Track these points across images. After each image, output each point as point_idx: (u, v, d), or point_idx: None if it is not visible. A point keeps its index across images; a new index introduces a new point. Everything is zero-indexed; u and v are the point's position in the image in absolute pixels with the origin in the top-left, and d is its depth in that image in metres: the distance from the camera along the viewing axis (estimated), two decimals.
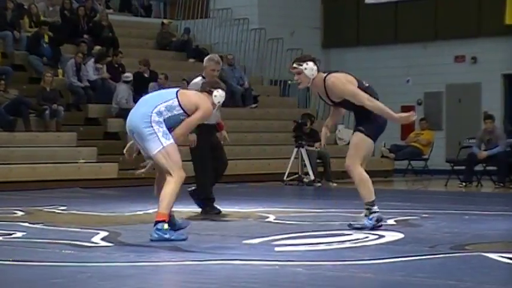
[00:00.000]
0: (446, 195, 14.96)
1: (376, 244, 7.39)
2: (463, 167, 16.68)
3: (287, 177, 16.58)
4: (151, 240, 7.38)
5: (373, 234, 7.92)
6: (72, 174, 15.44)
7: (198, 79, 9.79)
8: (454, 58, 21.48)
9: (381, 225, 8.25)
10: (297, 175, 16.59)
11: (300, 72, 8.24)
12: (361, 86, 8.22)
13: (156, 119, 7.42)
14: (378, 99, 8.24)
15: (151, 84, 18.18)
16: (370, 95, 8.22)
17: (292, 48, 21.64)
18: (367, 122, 8.18)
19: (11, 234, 8.05)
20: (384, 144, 20.09)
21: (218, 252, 6.90)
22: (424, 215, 9.97)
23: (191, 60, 21.43)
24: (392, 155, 19.85)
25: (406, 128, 21.47)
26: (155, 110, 7.45)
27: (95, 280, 5.73)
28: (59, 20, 19.81)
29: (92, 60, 18.27)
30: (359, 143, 8.23)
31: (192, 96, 7.68)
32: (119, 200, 12.66)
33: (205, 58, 10.14)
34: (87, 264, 6.37)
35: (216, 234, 8.26)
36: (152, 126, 7.41)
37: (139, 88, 18.12)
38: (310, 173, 16.40)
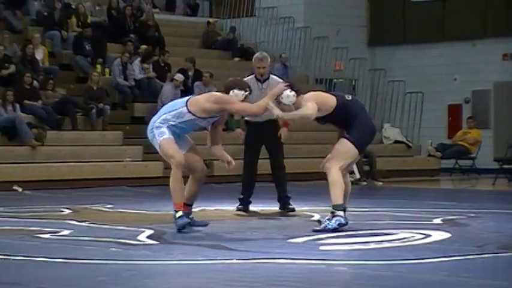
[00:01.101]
0: (493, 195, 14.80)
1: (422, 243, 7.33)
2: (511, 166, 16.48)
3: None
4: (178, 230, 7.97)
5: (419, 233, 7.86)
6: (118, 172, 15.55)
7: (250, 78, 9.84)
8: (502, 56, 21.22)
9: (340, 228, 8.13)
10: None
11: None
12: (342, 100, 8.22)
13: (157, 124, 8.15)
14: (358, 113, 8.22)
15: (196, 83, 18.25)
16: (351, 108, 8.19)
17: (337, 46, 21.57)
18: (355, 130, 8.18)
19: (58, 232, 8.14)
20: (431, 143, 19.94)
21: (263, 251, 6.89)
22: (471, 215, 9.86)
23: (236, 59, 21.45)
24: (439, 154, 19.68)
25: (453, 127, 21.30)
26: (160, 119, 8.16)
27: (140, 278, 5.76)
28: (105, 19, 19.97)
29: (138, 59, 18.38)
30: (344, 150, 8.20)
31: (200, 100, 8.16)
32: (164, 198, 12.67)
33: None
34: (132, 262, 6.42)
35: (261, 232, 8.26)
36: (153, 131, 8.15)
37: (184, 86, 18.23)
38: (356, 172, 16.31)
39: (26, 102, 15.95)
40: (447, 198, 13.21)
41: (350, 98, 8.36)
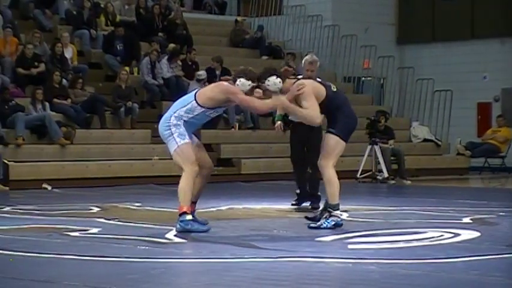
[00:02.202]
0: None
1: (452, 242, 7.29)
2: None
3: (360, 174, 16.48)
4: (177, 231, 7.82)
5: (448, 232, 7.82)
6: (146, 171, 15.60)
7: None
8: None
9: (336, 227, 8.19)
10: (370, 172, 16.47)
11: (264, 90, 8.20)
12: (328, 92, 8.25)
13: (174, 122, 8.10)
14: (342, 104, 8.27)
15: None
16: (335, 100, 8.23)
17: (366, 45, 21.49)
18: (338, 122, 8.23)
19: (87, 230, 8.18)
20: (460, 141, 19.82)
21: (291, 249, 6.88)
22: (501, 213, 9.79)
23: (264, 57, 21.45)
24: (468, 153, 19.56)
25: (483, 125, 21.15)
26: (175, 114, 8.12)
27: (168, 276, 5.78)
28: (134, 18, 20.04)
29: (166, 58, 18.43)
30: (333, 145, 8.25)
31: (206, 91, 8.18)
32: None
33: None
34: (160, 260, 6.43)
35: (289, 231, 8.25)
36: (170, 129, 8.09)
37: (211, 83, 18.26)
38: (384, 170, 16.26)
39: (56, 100, 16.05)
40: (476, 197, 13.12)
41: (335, 89, 8.42)
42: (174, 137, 8.06)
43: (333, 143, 8.23)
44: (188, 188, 7.98)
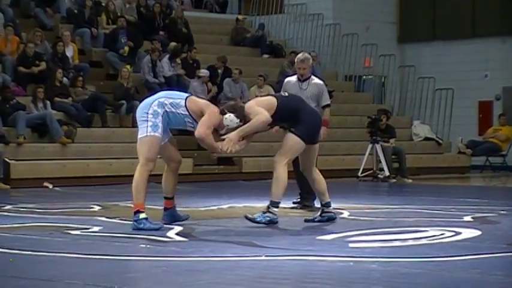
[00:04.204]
0: None
1: (453, 241, 7.29)
2: None
3: (361, 173, 16.48)
4: (132, 229, 7.86)
5: (449, 231, 7.82)
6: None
7: (293, 77, 9.96)
8: None
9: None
10: (371, 171, 16.47)
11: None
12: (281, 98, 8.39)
13: (155, 108, 7.96)
14: (300, 106, 8.37)
15: (226, 80, 18.28)
16: (290, 104, 8.35)
17: (367, 43, 21.49)
18: (299, 124, 8.32)
19: (88, 229, 8.19)
20: (461, 140, 19.82)
21: (292, 248, 6.89)
22: (502, 212, 9.79)
23: (265, 56, 21.45)
24: (469, 151, 19.56)
25: (484, 124, 21.15)
26: (159, 99, 7.99)
27: (170, 274, 5.78)
28: (135, 17, 20.04)
29: (167, 56, 18.43)
30: (290, 144, 8.35)
31: (200, 102, 8.14)
32: (194, 195, 12.74)
33: None
34: (162, 259, 6.44)
35: (290, 230, 8.25)
36: (147, 114, 7.94)
37: (213, 83, 18.27)
38: (385, 169, 16.26)
39: (57, 99, 16.05)
40: (477, 195, 13.12)
41: (287, 94, 8.57)
42: (147, 125, 7.96)
43: (291, 143, 8.35)
44: (141, 185, 7.95)
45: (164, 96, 8.10)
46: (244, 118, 8.09)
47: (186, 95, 8.23)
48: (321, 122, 8.72)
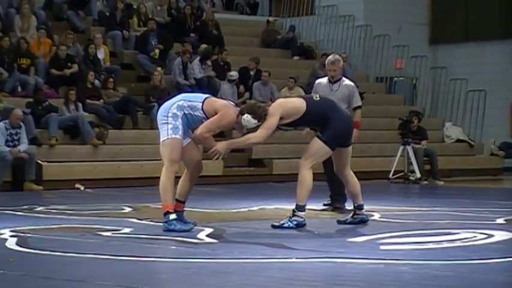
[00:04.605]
0: None
1: (485, 243, 7.23)
2: None
3: (393, 175, 16.40)
4: (163, 230, 7.87)
5: (481, 233, 7.75)
6: (178, 171, 15.60)
7: (324, 78, 9.93)
8: None
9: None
10: (402, 173, 16.39)
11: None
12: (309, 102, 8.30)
13: (174, 111, 8.00)
14: (330, 110, 8.30)
15: (255, 84, 18.28)
16: (320, 108, 8.28)
17: (398, 45, 21.39)
18: (328, 129, 8.29)
19: (119, 230, 8.21)
20: (494, 141, 19.67)
21: (322, 250, 6.87)
22: None
23: (295, 57, 21.42)
24: (502, 153, 19.40)
25: None
26: (178, 103, 8.02)
27: (200, 276, 5.78)
28: (167, 19, 20.10)
29: (198, 58, 18.47)
30: (316, 149, 8.35)
31: (215, 102, 8.09)
32: (224, 197, 12.76)
33: None
34: (192, 260, 6.44)
35: (321, 232, 8.22)
36: (167, 117, 7.99)
37: (243, 84, 18.28)
38: (417, 170, 16.18)
39: (88, 101, 16.14)
40: (510, 197, 13.01)
41: (318, 98, 8.44)
42: (167, 128, 7.99)
43: (317, 147, 8.33)
44: (169, 186, 8.00)
45: (183, 99, 8.10)
46: (263, 119, 8.06)
47: (205, 96, 8.18)
48: (352, 125, 8.66)
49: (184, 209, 8.35)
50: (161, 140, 8.06)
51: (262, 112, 8.04)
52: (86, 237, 7.72)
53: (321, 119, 8.26)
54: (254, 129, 8.06)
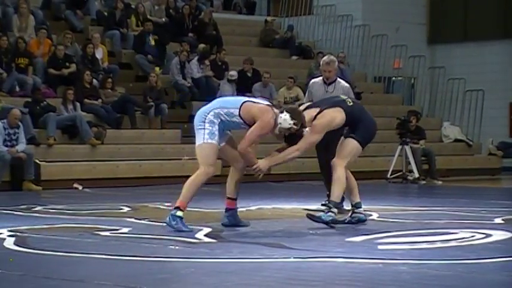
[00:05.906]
0: None
1: (483, 243, 7.23)
2: None
3: (391, 174, 16.41)
4: (165, 222, 8.02)
5: (479, 233, 7.76)
6: (177, 170, 15.61)
7: (318, 79, 9.93)
8: None
9: (333, 227, 8.34)
10: (401, 173, 16.40)
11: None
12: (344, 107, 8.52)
13: (210, 118, 8.05)
14: (360, 114, 8.60)
15: (255, 86, 18.27)
16: (352, 113, 8.52)
17: (396, 44, 21.40)
18: (359, 130, 8.57)
19: (117, 230, 8.21)
20: (492, 141, 19.68)
21: (321, 249, 6.87)
22: None
23: (294, 57, 21.43)
24: (500, 153, 19.42)
25: None
26: (215, 110, 8.05)
27: (198, 275, 5.78)
28: (164, 18, 20.10)
29: (196, 58, 18.47)
30: (351, 148, 8.56)
31: (252, 107, 8.05)
32: (222, 196, 12.70)
33: None
34: (190, 260, 6.44)
35: (319, 231, 8.23)
36: (204, 123, 8.07)
37: (243, 86, 18.26)
38: (415, 170, 16.19)
39: (86, 101, 16.14)
40: (508, 197, 13.02)
41: (351, 103, 8.64)
42: (204, 133, 8.07)
43: (352, 146, 8.55)
44: (193, 187, 8.05)
45: (219, 107, 8.10)
46: (301, 125, 8.10)
47: (242, 101, 8.14)
48: (376, 129, 8.89)
49: (237, 207, 8.47)
50: (197, 143, 8.17)
51: (301, 118, 8.11)
52: (85, 237, 7.72)
53: (354, 121, 8.54)
54: (286, 131, 8.06)
